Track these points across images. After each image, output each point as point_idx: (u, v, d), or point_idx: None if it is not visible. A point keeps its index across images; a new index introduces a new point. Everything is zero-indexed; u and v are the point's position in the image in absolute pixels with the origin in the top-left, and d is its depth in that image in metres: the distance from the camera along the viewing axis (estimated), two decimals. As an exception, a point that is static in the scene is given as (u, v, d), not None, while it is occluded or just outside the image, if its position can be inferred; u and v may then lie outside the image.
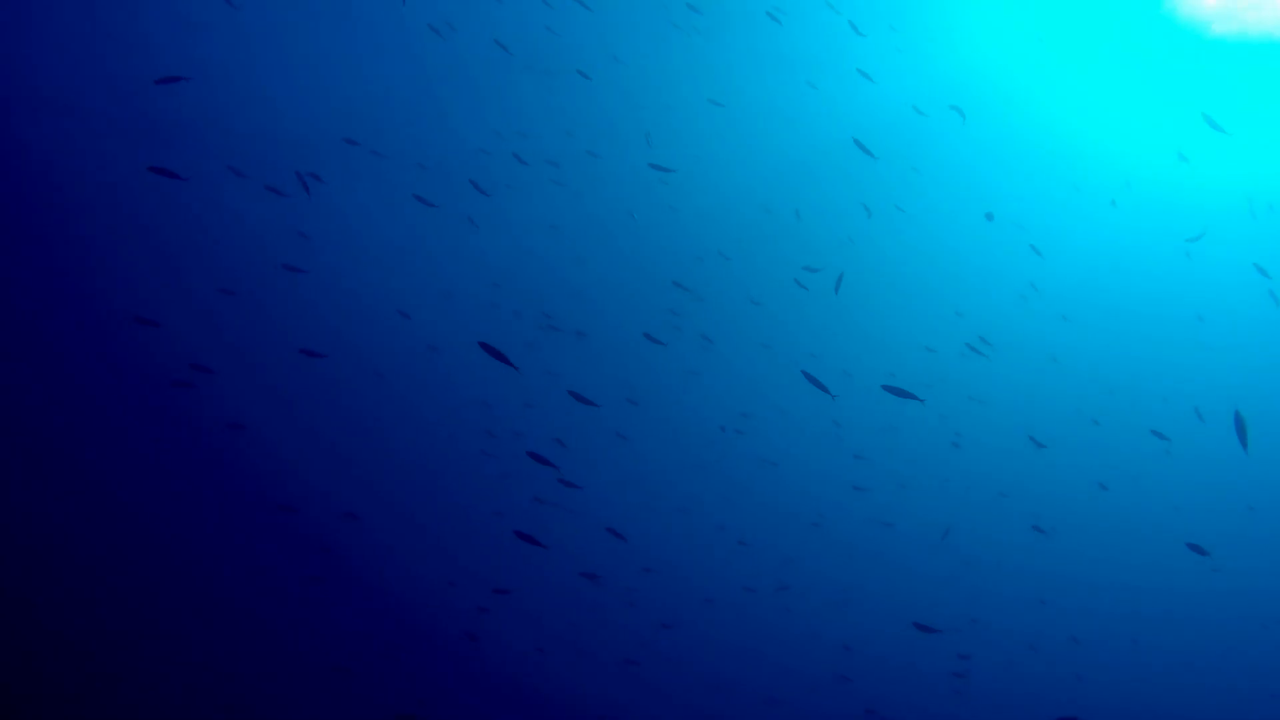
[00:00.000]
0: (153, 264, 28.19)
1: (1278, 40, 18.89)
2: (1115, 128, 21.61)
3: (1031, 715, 32.53)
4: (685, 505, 32.26)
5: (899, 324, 27.37)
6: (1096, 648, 34.29)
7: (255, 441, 29.53)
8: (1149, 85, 20.52)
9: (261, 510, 28.40)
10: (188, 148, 25.73)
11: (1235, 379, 26.36)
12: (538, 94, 24.31)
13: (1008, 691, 33.49)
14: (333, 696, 23.13)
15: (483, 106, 24.58)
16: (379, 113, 25.12)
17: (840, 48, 21.05)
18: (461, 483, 31.88)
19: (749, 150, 24.70)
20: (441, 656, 28.36)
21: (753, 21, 21.16)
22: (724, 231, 26.80)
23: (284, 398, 30.27)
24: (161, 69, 23.94)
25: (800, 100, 22.40)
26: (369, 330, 30.50)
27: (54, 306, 27.62)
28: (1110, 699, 33.89)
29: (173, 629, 22.09)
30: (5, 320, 27.08)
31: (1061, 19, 19.42)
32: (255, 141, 25.73)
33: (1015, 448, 29.65)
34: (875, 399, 29.25)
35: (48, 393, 26.79)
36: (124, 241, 27.62)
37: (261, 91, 24.34)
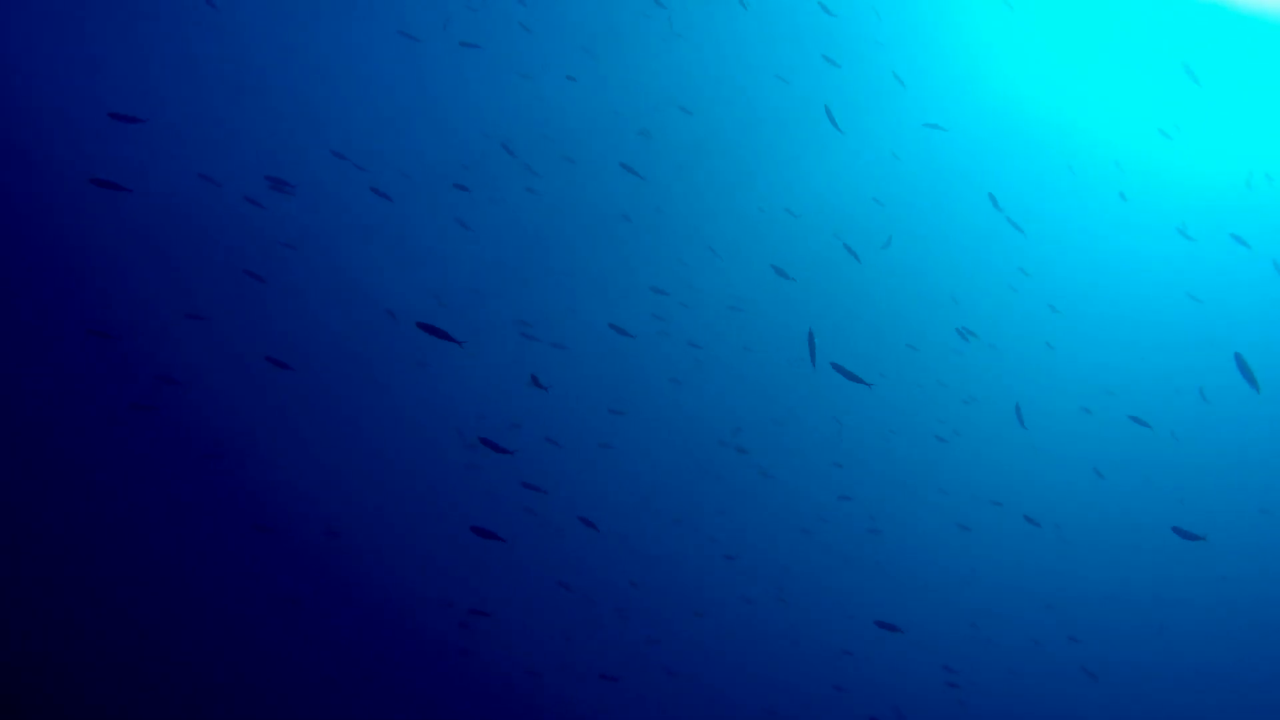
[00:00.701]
0: (141, 274, 28.08)
1: (1271, 15, 18.41)
2: (1105, 107, 21.06)
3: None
4: (679, 515, 31.67)
5: (890, 317, 26.80)
6: (1100, 649, 33.37)
7: (245, 453, 29.26)
8: (1137, 63, 20.00)
9: (247, 522, 28.06)
10: (169, 155, 25.57)
11: (1240, 361, 25.53)
12: (519, 96, 24.07)
13: (1009, 698, 32.61)
14: (324, 707, 22.75)
15: (471, 111, 24.38)
16: (363, 120, 24.94)
17: (815, 31, 20.64)
18: (449, 496, 31.46)
19: (733, 147, 24.32)
20: (431, 669, 27.89)
21: (725, 11, 20.86)
22: (712, 230, 26.39)
23: (269, 409, 29.97)
24: (152, 74, 23.87)
25: (772, 89, 21.98)
26: (353, 340, 30.20)
27: (47, 315, 27.48)
28: (1118, 703, 32.94)
29: (159, 641, 21.73)
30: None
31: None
32: (242, 149, 25.58)
33: (1012, 439, 28.96)
34: (868, 395, 28.62)
35: (36, 401, 26.58)
36: (111, 250, 27.49)
37: (250, 99, 24.25)
